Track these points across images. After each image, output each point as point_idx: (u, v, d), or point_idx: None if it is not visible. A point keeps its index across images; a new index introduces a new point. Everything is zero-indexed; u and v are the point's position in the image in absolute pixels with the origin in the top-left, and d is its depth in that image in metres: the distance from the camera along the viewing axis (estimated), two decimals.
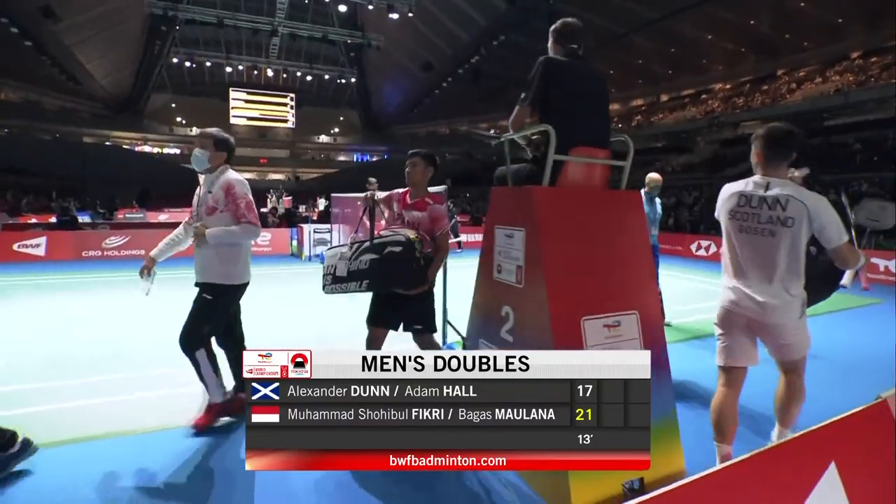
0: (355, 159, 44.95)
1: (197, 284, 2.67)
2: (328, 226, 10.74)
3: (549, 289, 2.07)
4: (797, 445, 1.54)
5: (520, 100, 2.33)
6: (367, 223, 2.64)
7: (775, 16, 24.43)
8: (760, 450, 1.38)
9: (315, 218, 12.54)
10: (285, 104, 40.85)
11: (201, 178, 2.75)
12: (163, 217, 18.66)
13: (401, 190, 2.79)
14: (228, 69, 32.30)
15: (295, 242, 11.14)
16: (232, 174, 2.70)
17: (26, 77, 30.43)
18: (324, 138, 45.16)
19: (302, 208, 18.80)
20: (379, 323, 2.67)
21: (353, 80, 32.80)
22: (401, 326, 2.66)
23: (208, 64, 31.12)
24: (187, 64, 30.86)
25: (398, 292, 2.55)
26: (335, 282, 2.52)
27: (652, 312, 2.31)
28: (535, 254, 2.15)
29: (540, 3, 25.16)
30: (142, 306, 4.71)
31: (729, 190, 2.22)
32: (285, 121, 41.36)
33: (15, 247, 9.54)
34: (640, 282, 2.32)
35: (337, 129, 45.78)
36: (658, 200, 5.08)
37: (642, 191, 4.75)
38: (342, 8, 22.10)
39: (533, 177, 2.36)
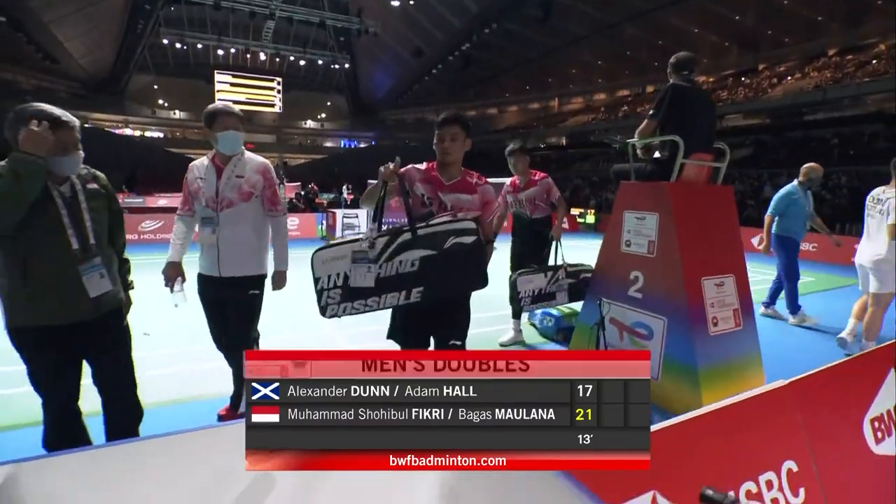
0: (342, 145, 45.00)
1: (226, 279, 2.41)
2: (356, 211, 11.46)
3: (683, 256, 2.90)
4: (867, 358, 2.40)
5: (650, 115, 3.12)
6: (392, 211, 2.15)
7: (758, 10, 25.74)
8: (836, 363, 2.17)
9: (349, 202, 13.31)
10: (272, 88, 40.58)
11: (208, 162, 2.44)
12: (163, 202, 18.67)
13: (421, 166, 2.20)
14: (220, 52, 31.93)
15: (322, 225, 11.81)
16: (257, 156, 2.53)
17: (0, 55, 29.46)
18: (311, 123, 45.05)
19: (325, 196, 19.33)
20: (411, 341, 2.14)
21: (346, 65, 32.85)
22: (431, 341, 2.17)
23: (199, 46, 30.71)
24: (173, 44, 30.36)
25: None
26: (351, 297, 1.92)
27: (742, 276, 3.17)
28: (669, 232, 2.97)
29: None
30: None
31: None
32: (272, 105, 41.09)
33: None
34: (734, 253, 3.19)
35: (324, 115, 45.69)
36: (809, 193, 5.07)
37: (795, 181, 4.99)
38: None
39: (654, 175, 3.18)
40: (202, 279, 2.50)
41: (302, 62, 33.44)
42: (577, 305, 4.65)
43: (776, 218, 5.02)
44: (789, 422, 1.88)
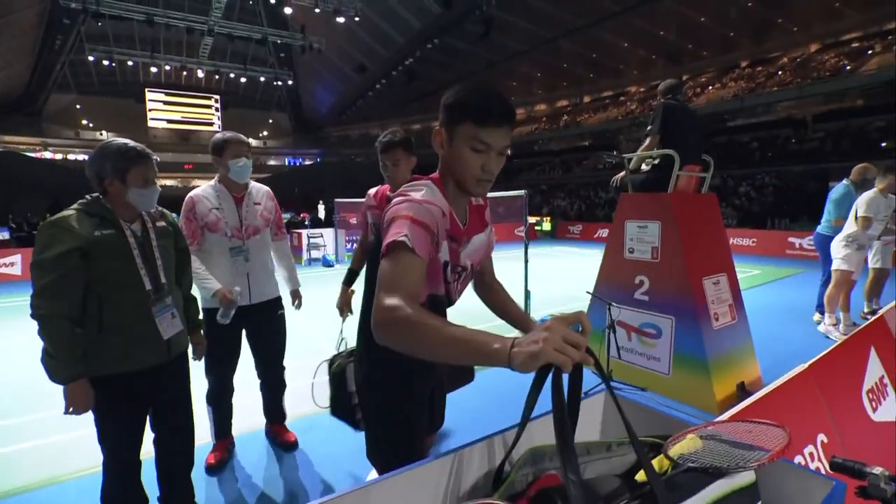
0: (287, 163, 43.93)
1: (255, 306, 2.48)
2: (320, 230, 11.28)
3: (686, 260, 3.20)
4: (853, 340, 2.78)
5: (649, 132, 3.46)
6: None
7: (679, 27, 28.03)
8: (829, 349, 2.52)
9: (308, 223, 12.96)
10: (210, 106, 39.11)
11: (216, 191, 2.40)
12: None
13: (419, 193, 1.18)
14: (153, 69, 30.32)
15: None
16: (260, 184, 2.62)
17: None
18: (253, 142, 43.51)
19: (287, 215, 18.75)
20: (431, 428, 1.61)
21: (289, 81, 32.24)
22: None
23: (129, 63, 28.99)
24: (100, 62, 28.52)
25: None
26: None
27: (731, 274, 3.53)
28: (672, 238, 3.27)
29: (474, 7, 26.55)
30: None
31: None
32: (210, 124, 39.51)
33: None
34: (724, 253, 3.54)
35: (266, 133, 44.49)
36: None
37: (845, 181, 4.79)
38: (288, 10, 21.96)
39: (650, 185, 3.49)
40: (217, 324, 2.33)
41: (242, 79, 32.44)
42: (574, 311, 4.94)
43: (830, 219, 4.81)
44: (814, 399, 2.16)
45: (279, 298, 2.64)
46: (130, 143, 1.71)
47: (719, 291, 3.36)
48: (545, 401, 0.84)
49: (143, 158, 1.71)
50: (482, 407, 3.26)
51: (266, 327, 2.58)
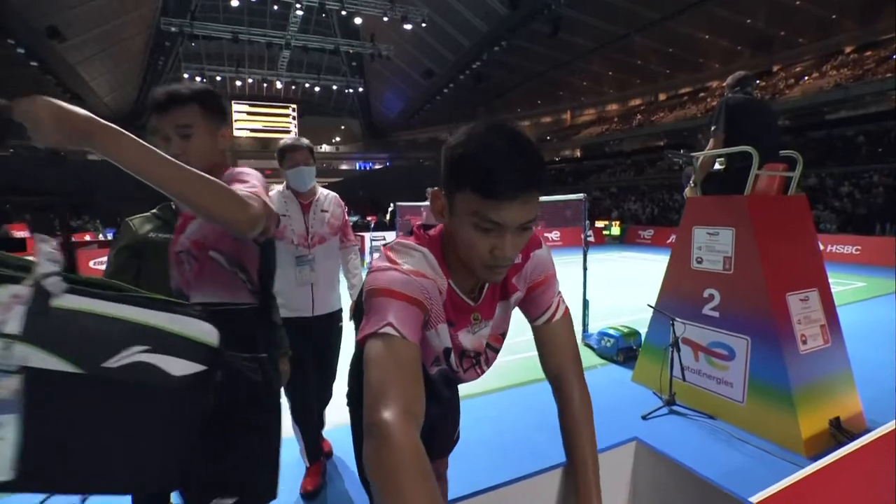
0: (357, 167, 45.56)
1: (316, 318, 2.35)
2: (383, 233, 11.49)
3: (765, 271, 2.76)
4: None
5: (712, 132, 3.07)
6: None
7: (769, 12, 25.61)
8: None
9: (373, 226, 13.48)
10: (287, 115, 41.44)
11: (285, 196, 2.33)
12: None
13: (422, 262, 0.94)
14: (238, 83, 32.77)
15: None
16: (329, 190, 2.49)
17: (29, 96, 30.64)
18: (326, 147, 45.74)
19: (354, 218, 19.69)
20: (433, 453, 1.58)
21: (360, 88, 33.44)
22: None
23: (218, 78, 31.56)
24: (193, 78, 31.26)
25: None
26: None
27: (825, 289, 3.02)
28: (748, 246, 2.85)
29: (541, 7, 26.01)
30: None
31: None
32: (288, 131, 41.85)
33: (91, 264, 10.04)
34: (815, 265, 3.04)
35: (339, 138, 46.44)
36: None
37: None
38: (358, 20, 22.76)
39: (723, 187, 3.08)
40: (288, 320, 2.12)
41: (317, 88, 34.08)
42: (636, 324, 4.54)
43: None
44: None
45: (341, 310, 2.53)
46: None
47: (808, 310, 2.88)
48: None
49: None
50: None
51: (325, 340, 2.46)
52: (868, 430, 2.10)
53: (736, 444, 2.74)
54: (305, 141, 2.33)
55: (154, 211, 1.76)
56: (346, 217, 2.51)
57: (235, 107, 39.78)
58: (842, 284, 7.37)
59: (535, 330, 1.04)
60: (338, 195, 2.50)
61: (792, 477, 1.37)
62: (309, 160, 2.30)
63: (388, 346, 0.75)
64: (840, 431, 2.68)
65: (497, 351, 1.11)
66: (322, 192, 2.43)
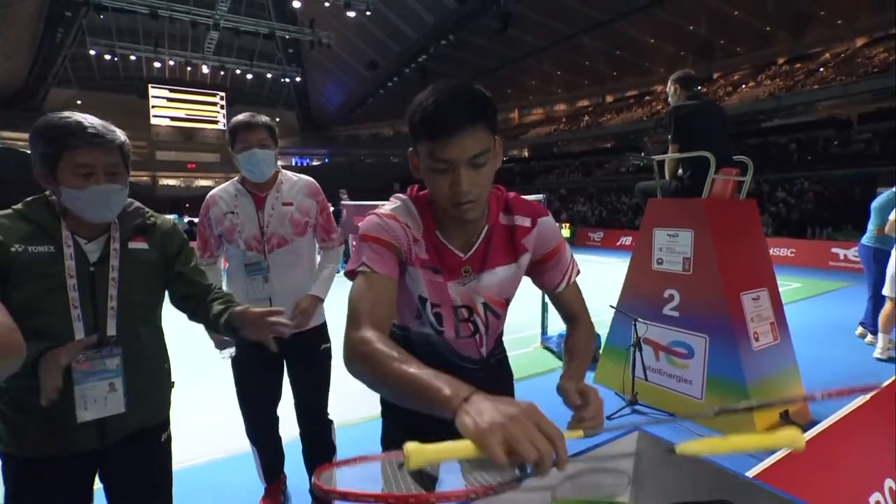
0: (293, 163, 44.36)
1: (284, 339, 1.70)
2: None
3: (721, 272, 3.02)
4: None
5: (669, 140, 3.35)
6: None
7: (710, 21, 27.68)
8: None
9: None
10: (215, 103, 39.68)
11: (236, 189, 2.02)
12: None
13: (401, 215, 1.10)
14: (156, 64, 30.82)
15: None
16: (302, 175, 2.12)
17: None
18: None
19: None
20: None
21: (297, 78, 32.59)
22: None
23: (132, 58, 29.47)
24: (101, 56, 29.13)
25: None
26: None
27: (773, 289, 3.34)
28: (706, 248, 3.11)
29: (490, 1, 26.56)
30: None
31: None
32: (215, 122, 40.09)
33: None
34: (765, 266, 3.36)
35: None
36: None
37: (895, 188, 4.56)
38: (296, 4, 22.21)
39: (682, 191, 3.33)
40: (247, 346, 1.90)
41: (249, 75, 32.85)
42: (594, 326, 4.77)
43: (873, 228, 4.67)
44: (882, 436, 1.96)
45: (322, 328, 2.16)
46: (68, 114, 1.19)
47: (759, 308, 3.18)
48: None
49: (79, 137, 1.14)
50: None
51: (302, 364, 2.14)
52: (814, 423, 2.35)
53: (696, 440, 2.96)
54: (263, 118, 1.96)
55: (20, 206, 1.23)
56: (327, 210, 2.13)
57: (153, 91, 37.61)
58: (780, 285, 8.12)
59: (552, 296, 1.25)
60: (314, 181, 2.10)
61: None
62: (266, 142, 1.93)
63: (363, 280, 0.98)
64: (789, 424, 2.97)
65: (498, 317, 1.20)
66: (288, 179, 2.06)
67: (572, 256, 1.23)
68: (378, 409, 1.37)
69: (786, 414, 3.00)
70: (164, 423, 1.44)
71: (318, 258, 2.23)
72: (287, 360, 2.16)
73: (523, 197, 1.21)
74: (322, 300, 2.13)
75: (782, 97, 23.59)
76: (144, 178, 41.01)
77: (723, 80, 30.50)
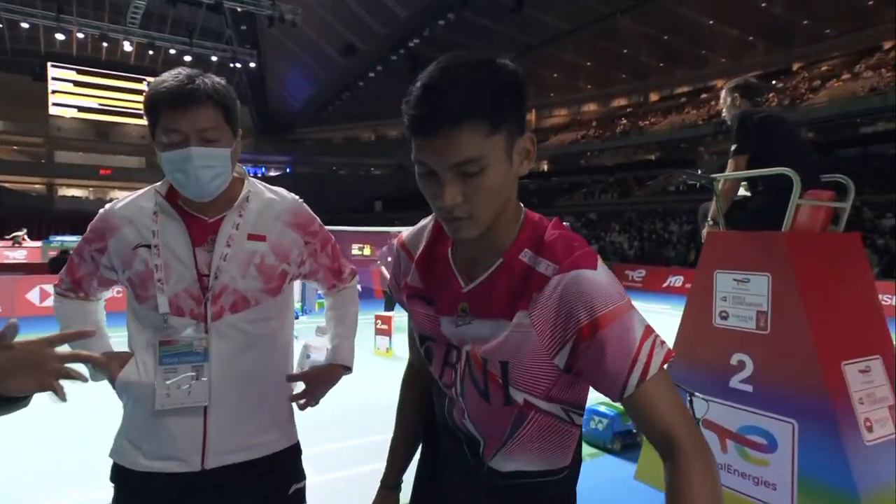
0: (247, 173, 44.81)
1: (216, 475, 1.41)
2: None
3: (814, 333, 2.86)
4: None
5: (732, 151, 3.28)
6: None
7: None
8: None
9: None
10: (139, 91, 40.04)
11: (157, 205, 1.45)
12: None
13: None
14: (60, 36, 30.60)
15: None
16: (278, 189, 1.62)
17: None
18: None
19: None
20: None
21: (251, 64, 33.04)
22: None
23: (24, 26, 29.00)
24: None
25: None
26: None
27: (889, 356, 3.18)
28: (789, 298, 2.96)
29: None
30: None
31: None
32: (139, 115, 40.43)
33: None
34: (877, 324, 3.22)
35: None
36: None
37: None
38: None
39: (754, 220, 3.24)
40: (139, 480, 1.43)
41: (187, 57, 33.09)
42: None
43: None
44: None
45: (290, 451, 1.58)
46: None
47: (871, 385, 3.02)
48: None
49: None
50: None
51: None
52: None
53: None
54: (211, 81, 1.39)
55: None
56: (330, 244, 1.71)
57: (53, 72, 38.06)
58: None
59: (623, 405, 0.97)
60: (301, 204, 1.64)
61: None
62: (216, 132, 1.37)
63: None
64: None
65: (485, 396, 1.05)
66: (258, 195, 1.54)
67: (647, 330, 0.94)
68: None
69: None
70: None
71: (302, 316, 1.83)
72: None
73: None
74: (349, 370, 1.73)
75: (889, 93, 23.64)
76: (38, 185, 40.92)
77: (806, 73, 30.90)
